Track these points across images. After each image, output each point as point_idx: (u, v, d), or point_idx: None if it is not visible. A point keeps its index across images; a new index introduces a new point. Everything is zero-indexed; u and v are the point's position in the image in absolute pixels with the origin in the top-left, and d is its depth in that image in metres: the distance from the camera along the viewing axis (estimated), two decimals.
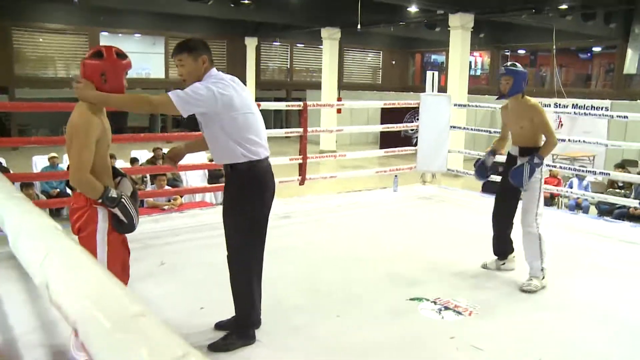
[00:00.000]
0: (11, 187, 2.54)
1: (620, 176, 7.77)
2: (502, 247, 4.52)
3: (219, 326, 3.29)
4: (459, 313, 3.63)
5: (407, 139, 15.47)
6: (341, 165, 13.64)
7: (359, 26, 14.90)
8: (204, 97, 2.82)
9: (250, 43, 22.88)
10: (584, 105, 13.86)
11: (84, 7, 17.74)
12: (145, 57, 20.93)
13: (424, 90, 7.58)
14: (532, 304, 3.87)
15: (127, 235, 2.85)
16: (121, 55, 2.73)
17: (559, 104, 13.51)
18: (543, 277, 4.17)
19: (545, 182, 8.94)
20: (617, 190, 9.37)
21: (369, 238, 5.43)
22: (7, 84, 18.50)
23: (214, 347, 3.06)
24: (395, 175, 7.54)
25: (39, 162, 10.74)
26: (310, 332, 3.34)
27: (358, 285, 4.14)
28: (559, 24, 15.98)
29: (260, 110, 3.17)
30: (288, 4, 17.04)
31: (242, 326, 3.16)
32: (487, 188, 7.47)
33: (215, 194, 9.72)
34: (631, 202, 7.61)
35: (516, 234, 4.38)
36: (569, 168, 8.13)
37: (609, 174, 7.31)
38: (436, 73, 7.66)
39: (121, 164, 9.75)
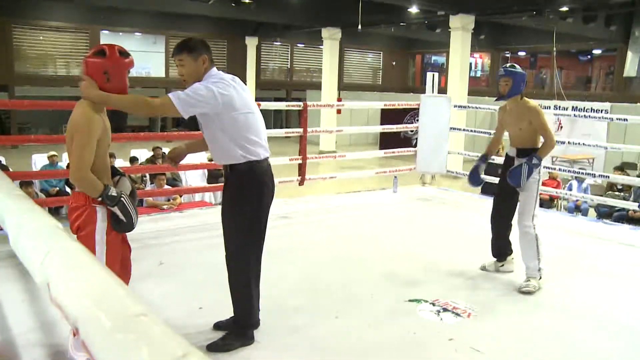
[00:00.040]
0: (12, 186, 2.54)
1: (620, 179, 7.78)
2: (501, 248, 4.52)
3: (217, 326, 3.29)
4: (458, 315, 3.63)
5: (406, 140, 15.50)
6: (341, 165, 13.65)
7: (359, 26, 14.91)
8: (205, 97, 2.81)
9: (251, 43, 22.88)
10: (584, 108, 13.87)
11: (85, 5, 17.77)
12: (146, 56, 20.92)
13: (424, 91, 7.58)
14: (531, 305, 3.88)
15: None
16: (124, 53, 2.73)
17: (559, 107, 13.50)
18: (540, 278, 4.18)
19: (545, 185, 9.01)
20: (617, 193, 9.38)
21: (369, 239, 5.43)
22: (7, 82, 18.49)
23: (213, 348, 3.06)
24: (395, 176, 7.54)
25: (39, 161, 10.74)
26: (309, 333, 3.34)
27: (357, 286, 4.14)
28: (559, 26, 15.99)
29: (260, 110, 3.17)
30: (289, 3, 17.05)
31: (241, 327, 3.16)
32: (486, 190, 7.47)
33: (214, 194, 9.72)
34: (630, 205, 7.62)
35: (515, 235, 4.38)
36: (569, 170, 8.14)
37: (609, 177, 7.32)
38: (436, 74, 7.67)
39: (121, 163, 9.75)
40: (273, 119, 23.51)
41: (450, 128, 7.53)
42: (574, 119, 13.39)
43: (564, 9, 14.07)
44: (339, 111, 18.81)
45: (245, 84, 3.15)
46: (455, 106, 8.07)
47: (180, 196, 8.74)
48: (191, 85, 2.87)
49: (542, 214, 6.61)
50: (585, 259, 5.01)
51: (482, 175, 4.77)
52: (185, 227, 5.58)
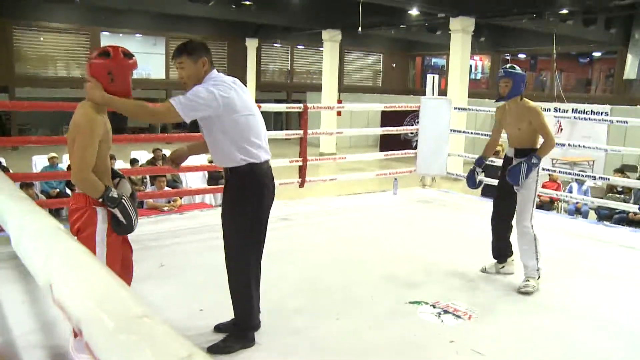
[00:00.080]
0: (13, 187, 2.54)
1: (620, 181, 7.78)
2: (501, 250, 4.52)
3: (218, 328, 3.29)
4: (459, 317, 3.63)
5: (407, 142, 15.49)
6: (341, 167, 13.64)
7: (359, 29, 14.91)
8: (206, 100, 2.82)
9: (251, 44, 22.90)
10: (584, 110, 13.88)
11: (85, 7, 17.79)
12: (146, 57, 20.95)
13: (424, 94, 7.59)
14: (531, 307, 3.88)
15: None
16: (127, 54, 2.74)
17: (559, 109, 13.53)
18: (539, 277, 4.21)
19: (545, 187, 9.02)
20: (617, 195, 9.38)
21: (369, 241, 5.43)
22: (7, 83, 18.51)
23: (214, 350, 3.06)
24: (395, 179, 7.54)
25: (39, 162, 10.74)
26: (310, 335, 3.34)
27: (358, 287, 4.14)
28: (559, 29, 16.01)
29: (261, 112, 3.18)
30: (289, 5, 17.07)
31: (241, 329, 3.16)
32: (487, 192, 7.47)
33: (214, 196, 9.72)
34: (630, 207, 7.61)
35: (514, 236, 4.39)
36: (569, 173, 8.14)
37: (609, 179, 7.32)
38: (436, 76, 7.67)
39: (121, 164, 9.76)
40: (273, 121, 23.52)
41: (451, 130, 7.54)
42: (574, 122, 13.39)
43: (564, 11, 14.08)
44: (339, 113, 18.82)
45: (246, 86, 3.15)
46: (455, 108, 8.08)
47: (181, 198, 8.74)
48: (191, 89, 2.88)
49: (543, 216, 6.64)
50: (585, 260, 5.01)
51: (482, 178, 4.77)
52: (186, 228, 5.58)
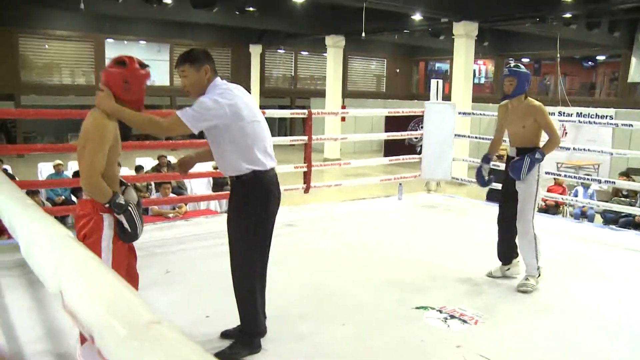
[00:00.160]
0: (22, 195, 2.56)
1: (626, 184, 7.76)
2: (507, 251, 4.52)
3: (224, 335, 3.29)
4: (465, 321, 3.62)
5: (411, 147, 15.49)
6: (345, 173, 13.65)
7: (363, 34, 14.94)
8: (213, 109, 2.84)
9: (255, 51, 22.96)
10: (589, 114, 13.85)
11: (90, 15, 17.85)
12: (150, 64, 20.74)
13: (428, 98, 7.59)
14: (538, 311, 3.86)
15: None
16: (142, 65, 2.80)
17: (564, 113, 13.51)
18: (539, 275, 4.22)
19: (551, 191, 9.00)
20: (623, 199, 9.35)
21: (374, 246, 5.42)
22: (13, 91, 18.59)
23: (221, 356, 3.05)
24: (400, 184, 7.54)
25: (45, 170, 10.78)
26: (316, 340, 3.33)
27: (363, 293, 4.14)
28: (563, 33, 15.99)
29: (265, 118, 3.19)
30: (292, 11, 17.11)
31: (247, 335, 3.16)
32: (492, 196, 7.46)
33: (219, 202, 9.73)
34: (637, 211, 7.59)
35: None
36: (574, 176, 8.12)
37: (614, 182, 7.29)
38: (440, 81, 7.68)
39: (126, 171, 9.78)
40: (277, 127, 23.54)
41: (455, 135, 7.53)
42: (579, 125, 13.37)
43: (568, 15, 14.07)
44: (343, 119, 18.83)
45: (249, 92, 3.17)
46: (459, 113, 8.08)
47: (186, 204, 8.75)
48: (197, 100, 2.90)
49: (548, 220, 6.64)
50: (592, 264, 4.99)
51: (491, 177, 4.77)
52: (191, 235, 5.59)
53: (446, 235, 5.90)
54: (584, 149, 7.40)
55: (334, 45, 19.17)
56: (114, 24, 19.37)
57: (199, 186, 10.36)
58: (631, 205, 8.39)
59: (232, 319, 3.22)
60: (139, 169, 10.45)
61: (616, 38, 18.21)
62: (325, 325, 3.55)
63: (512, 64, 4.40)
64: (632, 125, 6.62)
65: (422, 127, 7.64)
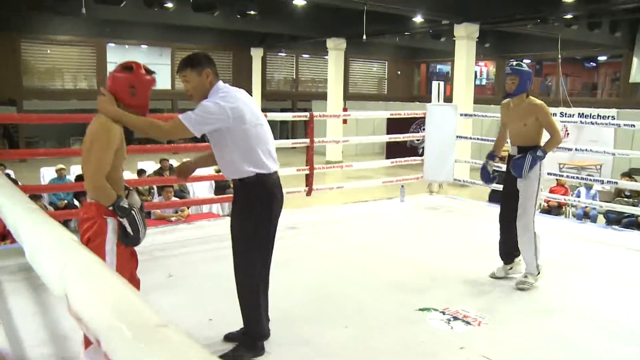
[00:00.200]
0: (26, 199, 2.56)
1: (629, 185, 7.75)
2: (508, 250, 4.51)
3: (228, 338, 3.29)
4: (468, 323, 3.62)
5: (413, 149, 15.50)
6: (348, 175, 13.64)
7: (364, 37, 14.96)
8: (216, 113, 2.85)
9: (256, 54, 23.00)
10: (590, 115, 13.84)
11: (91, 19, 17.91)
12: (152, 68, 20.76)
13: (429, 100, 7.59)
14: (542, 312, 3.86)
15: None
16: (148, 71, 2.83)
17: (565, 113, 13.50)
18: (538, 273, 4.23)
19: (553, 191, 8.99)
20: (625, 199, 9.34)
21: (377, 248, 5.42)
22: (15, 96, 18.65)
23: (224, 359, 3.06)
24: (402, 186, 7.54)
25: (47, 174, 10.80)
26: (319, 343, 3.33)
27: (366, 295, 4.14)
28: (564, 33, 16.00)
29: (267, 121, 3.20)
30: (293, 14, 17.15)
31: (251, 338, 3.17)
32: (494, 197, 7.46)
33: (222, 205, 9.75)
34: (639, 211, 7.58)
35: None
36: (577, 177, 8.12)
37: (617, 183, 7.28)
38: (442, 83, 7.68)
39: (128, 175, 9.79)
40: (279, 130, 23.56)
41: (457, 136, 7.54)
42: (581, 126, 13.35)
43: (569, 16, 14.08)
44: (344, 121, 18.84)
45: (251, 95, 3.18)
46: (461, 114, 8.08)
47: (188, 208, 8.76)
48: (199, 103, 2.91)
49: (551, 221, 6.63)
50: (595, 264, 4.99)
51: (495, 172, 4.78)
52: (194, 238, 5.59)
53: (449, 237, 5.90)
54: (586, 150, 7.39)
55: (335, 47, 19.19)
56: (116, 28, 19.43)
57: (201, 189, 10.37)
58: (634, 206, 8.38)
59: (235, 322, 3.22)
60: (141, 172, 10.46)
61: (617, 38, 18.21)
62: (328, 327, 3.55)
63: (514, 62, 4.40)
64: (634, 126, 6.61)
65: (423, 129, 7.64)
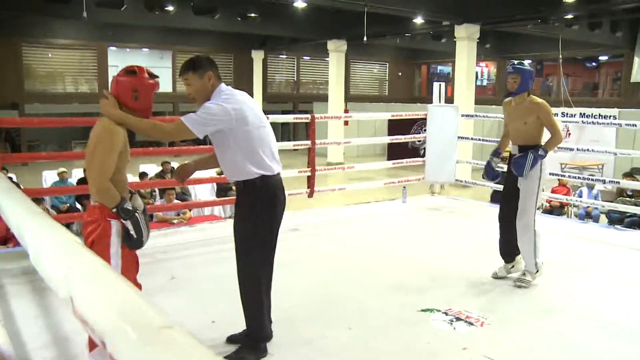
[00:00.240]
0: (30, 203, 2.57)
1: (632, 184, 7.74)
2: (509, 249, 4.51)
3: (230, 340, 3.29)
4: (471, 324, 3.62)
5: (414, 150, 15.49)
6: (349, 177, 13.65)
7: (365, 38, 14.97)
8: (218, 114, 2.86)
9: (257, 56, 23.03)
10: (592, 114, 13.84)
11: (92, 23, 17.96)
12: (153, 71, 21.00)
13: (430, 101, 7.60)
14: (545, 312, 3.85)
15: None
16: (152, 75, 2.85)
17: (567, 113, 13.51)
18: (537, 271, 4.24)
19: (555, 192, 8.99)
20: (627, 199, 9.33)
21: (379, 249, 5.42)
22: (17, 100, 18.69)
23: None
24: (404, 187, 7.54)
25: (49, 177, 10.82)
26: (322, 344, 3.33)
27: (369, 296, 4.14)
28: (565, 33, 16.00)
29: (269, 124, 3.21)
30: (294, 16, 17.17)
31: (253, 339, 3.17)
32: (496, 198, 7.46)
33: (223, 208, 9.75)
34: None
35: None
36: (578, 177, 8.11)
37: (619, 182, 7.28)
38: (443, 84, 7.69)
39: (130, 178, 9.80)
40: (281, 132, 23.59)
41: (458, 137, 7.54)
42: (582, 126, 13.36)
43: (569, 16, 14.08)
44: (346, 123, 18.86)
45: (252, 98, 3.19)
46: (462, 115, 8.08)
47: (190, 210, 8.77)
48: (202, 105, 2.92)
49: (553, 221, 6.63)
50: (598, 264, 4.98)
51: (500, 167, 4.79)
52: (196, 241, 5.60)
53: (451, 238, 5.90)
54: (588, 150, 7.39)
55: (336, 49, 19.21)
56: (117, 31, 19.48)
57: (202, 192, 10.38)
58: (636, 205, 8.37)
59: (238, 324, 3.23)
60: (142, 175, 10.48)
61: (618, 38, 18.21)
62: (330, 329, 3.55)
63: (516, 61, 4.41)
64: (635, 125, 6.61)
65: (425, 130, 7.64)
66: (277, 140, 3.36)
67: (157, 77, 2.87)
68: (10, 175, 9.51)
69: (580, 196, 9.32)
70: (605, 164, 13.22)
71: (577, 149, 7.91)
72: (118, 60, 20.15)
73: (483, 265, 4.69)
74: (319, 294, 4.17)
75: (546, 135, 4.30)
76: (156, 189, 9.51)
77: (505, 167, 4.77)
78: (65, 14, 15.24)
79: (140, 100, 2.77)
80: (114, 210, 2.65)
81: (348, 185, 7.74)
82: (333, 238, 5.95)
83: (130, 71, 2.80)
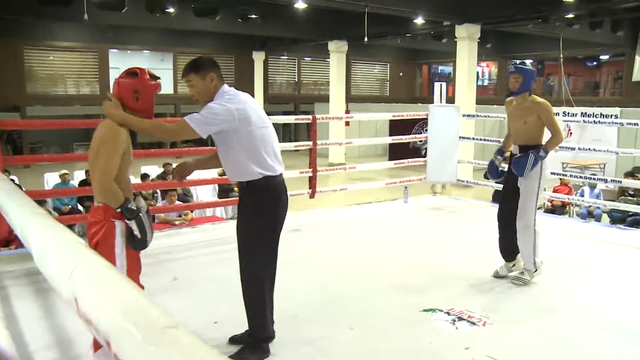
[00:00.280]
0: (33, 204, 2.58)
1: (635, 184, 7.74)
2: (509, 247, 4.50)
3: (233, 340, 3.30)
4: (473, 323, 3.62)
5: (416, 150, 15.48)
6: (351, 177, 13.65)
7: (365, 39, 14.98)
8: (221, 114, 2.87)
9: (258, 57, 23.05)
10: (593, 114, 13.83)
11: (93, 25, 18.00)
12: (154, 73, 21.08)
13: (431, 102, 7.60)
14: (547, 312, 3.85)
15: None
16: (153, 77, 2.87)
17: (568, 113, 13.50)
18: (535, 270, 4.25)
19: (557, 191, 8.98)
20: (629, 198, 9.33)
21: (381, 250, 5.43)
22: (19, 103, 18.73)
23: None
24: (405, 187, 7.54)
25: (51, 179, 10.84)
26: (324, 344, 3.34)
27: (371, 296, 4.14)
28: (565, 33, 15.99)
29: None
30: (295, 17, 17.19)
31: (256, 340, 3.17)
32: (497, 198, 7.46)
33: (225, 209, 9.77)
34: None
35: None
36: (580, 176, 8.11)
37: (621, 182, 7.27)
38: (444, 84, 7.68)
39: (132, 179, 9.81)
40: (282, 133, 23.62)
41: (460, 137, 7.54)
42: (584, 125, 13.36)
43: (570, 15, 14.07)
44: (347, 123, 18.86)
45: (254, 99, 3.19)
46: (463, 115, 8.08)
47: (192, 211, 8.78)
48: (205, 106, 2.92)
49: (555, 220, 6.63)
50: (600, 264, 4.97)
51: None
52: (198, 242, 5.60)
53: (452, 237, 5.90)
54: (589, 149, 7.39)
55: (337, 50, 19.22)
56: (118, 33, 19.51)
57: (204, 193, 10.39)
58: (638, 204, 8.37)
59: (241, 325, 3.23)
60: (144, 177, 10.49)
61: (619, 37, 18.20)
62: (333, 329, 3.55)
63: (518, 61, 4.41)
64: (637, 124, 6.59)
65: (426, 130, 7.65)
66: (279, 141, 3.36)
67: (158, 78, 2.89)
68: (12, 177, 9.53)
69: (582, 195, 9.31)
70: (607, 163, 13.21)
71: (579, 149, 7.91)
72: (119, 62, 20.18)
73: (485, 264, 4.69)
74: (320, 294, 4.17)
75: (547, 135, 4.30)
76: (158, 190, 9.53)
77: (505, 167, 4.77)
78: (67, 17, 15.29)
79: (141, 101, 2.79)
80: (118, 210, 2.66)
81: (349, 186, 7.74)
82: (335, 238, 5.95)
83: (132, 73, 2.82)
